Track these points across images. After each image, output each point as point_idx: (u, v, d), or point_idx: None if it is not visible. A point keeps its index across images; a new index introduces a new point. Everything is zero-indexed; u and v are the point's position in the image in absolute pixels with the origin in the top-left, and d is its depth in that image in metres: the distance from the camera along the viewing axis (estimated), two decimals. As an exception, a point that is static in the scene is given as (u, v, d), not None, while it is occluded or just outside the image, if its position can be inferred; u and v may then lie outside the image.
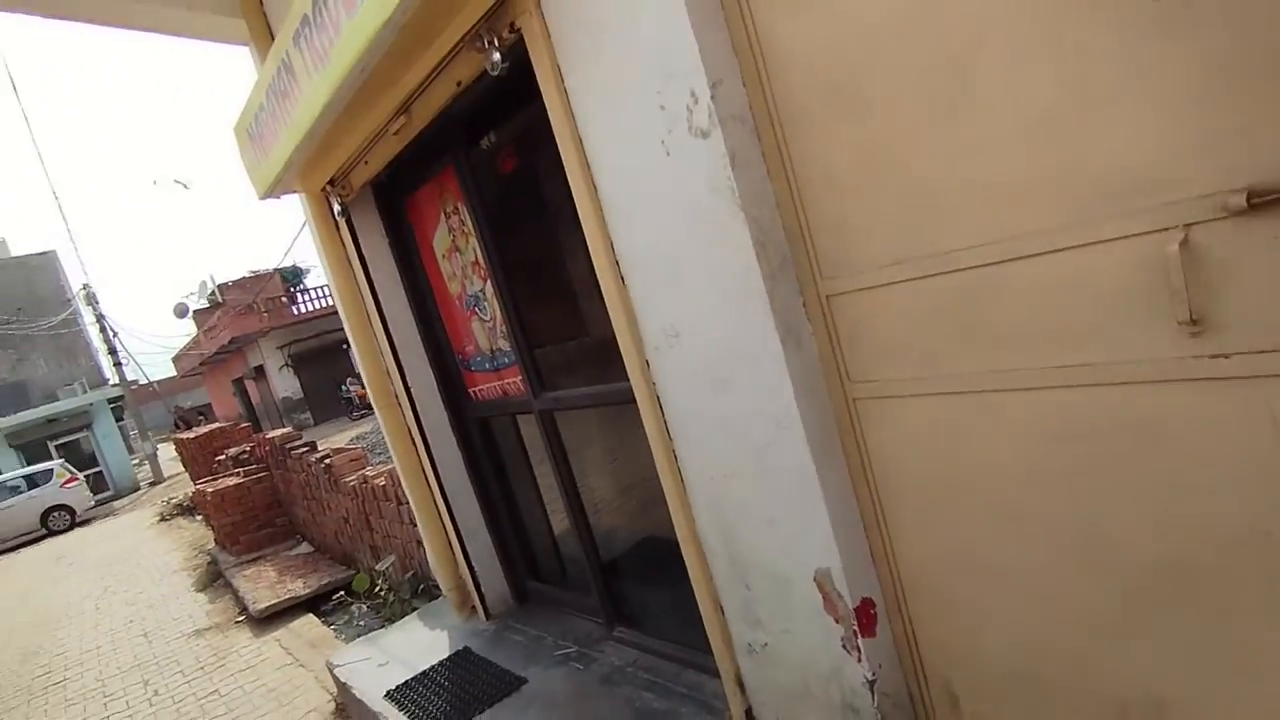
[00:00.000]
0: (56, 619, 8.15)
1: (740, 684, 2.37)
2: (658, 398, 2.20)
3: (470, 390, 3.64)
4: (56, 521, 16.63)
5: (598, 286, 2.24)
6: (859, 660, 1.96)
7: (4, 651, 7.34)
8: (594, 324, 2.83)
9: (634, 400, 2.29)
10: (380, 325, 3.54)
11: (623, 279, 2.15)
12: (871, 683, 1.96)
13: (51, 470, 17.32)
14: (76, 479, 17.63)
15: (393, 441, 3.79)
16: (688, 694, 2.68)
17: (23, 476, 16.99)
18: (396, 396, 3.68)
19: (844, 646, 1.98)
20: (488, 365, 3.41)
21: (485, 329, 3.30)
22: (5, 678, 6.39)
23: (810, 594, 2.01)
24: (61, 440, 21.83)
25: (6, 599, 10.61)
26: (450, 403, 3.68)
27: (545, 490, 3.69)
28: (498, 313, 3.11)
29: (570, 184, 2.15)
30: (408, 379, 3.59)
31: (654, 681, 2.84)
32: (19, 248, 37.57)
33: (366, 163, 3.07)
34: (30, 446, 21.26)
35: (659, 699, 2.72)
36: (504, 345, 3.21)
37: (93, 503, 18.26)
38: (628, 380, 2.29)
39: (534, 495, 3.75)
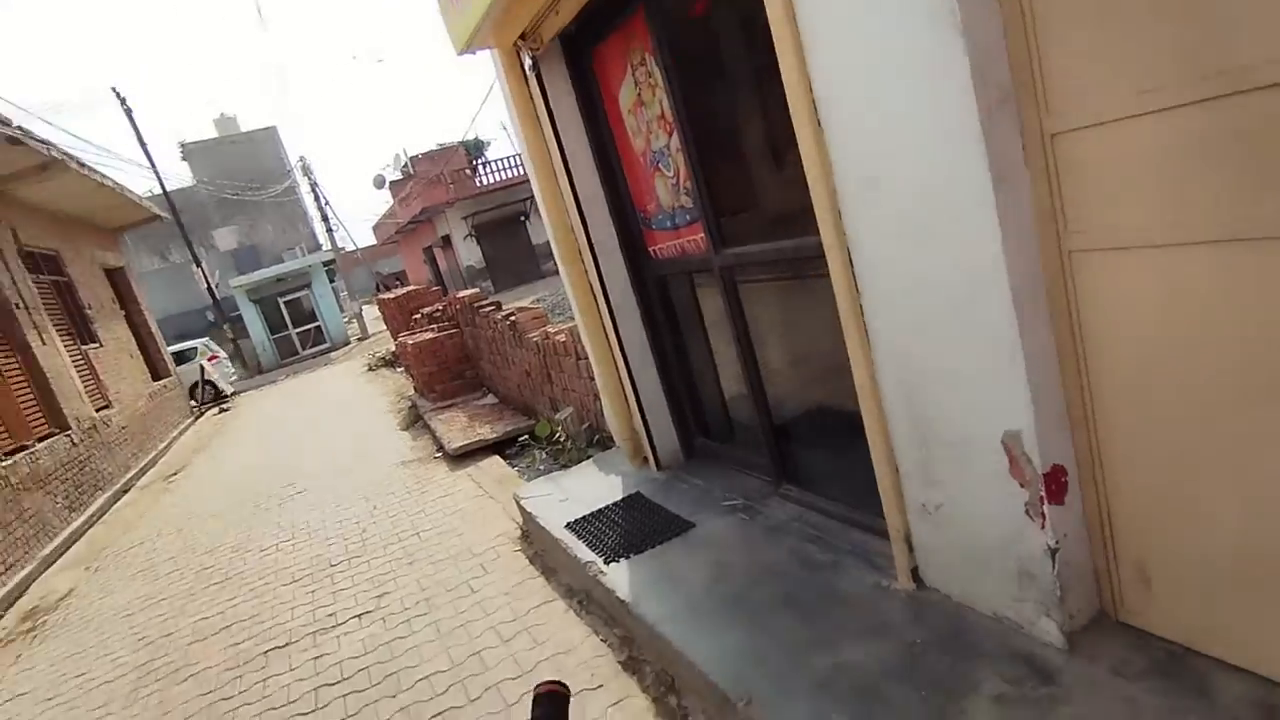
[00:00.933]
0: (295, 443, 9.65)
1: (909, 543, 2.39)
2: (848, 250, 2.14)
3: (650, 249, 3.71)
4: (203, 396, 17.69)
5: (789, 137, 2.16)
6: (1042, 527, 1.91)
7: (266, 469, 8.84)
8: (782, 177, 2.75)
9: (821, 255, 2.23)
10: (566, 181, 3.65)
11: (819, 122, 2.05)
12: (1053, 551, 1.91)
13: (196, 348, 18.52)
14: (218, 357, 19.20)
15: (575, 297, 3.98)
16: (852, 550, 2.75)
17: (172, 353, 17.52)
18: (580, 253, 3.84)
19: (1027, 513, 1.93)
20: (668, 223, 3.45)
21: (668, 185, 3.31)
22: (267, 487, 7.72)
23: (995, 457, 1.95)
24: (287, 297, 24.91)
25: (248, 427, 12.66)
26: (630, 260, 3.79)
27: (718, 352, 3.77)
28: (682, 168, 3.10)
29: (768, 13, 2.04)
30: (591, 235, 3.71)
31: (818, 536, 2.92)
32: (247, 123, 41.88)
33: (557, 12, 3.08)
34: (264, 302, 24.48)
35: (823, 552, 2.81)
36: (686, 202, 3.21)
37: (234, 376, 18.93)
38: (814, 235, 2.23)
39: (706, 356, 3.84)
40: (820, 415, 3.30)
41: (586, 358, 4.62)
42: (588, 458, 4.84)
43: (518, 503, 4.29)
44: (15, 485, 7.53)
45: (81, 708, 3.89)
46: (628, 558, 3.20)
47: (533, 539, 4.16)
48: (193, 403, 16.63)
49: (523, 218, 27.42)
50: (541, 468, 5.52)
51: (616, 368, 4.03)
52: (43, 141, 9.34)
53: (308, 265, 25.31)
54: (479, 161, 27.33)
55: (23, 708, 4.14)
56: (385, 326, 16.86)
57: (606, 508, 3.79)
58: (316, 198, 30.51)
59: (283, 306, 24.76)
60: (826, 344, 2.52)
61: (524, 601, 3.56)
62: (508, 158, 26.88)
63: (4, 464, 7.48)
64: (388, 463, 7.08)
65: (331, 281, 26.72)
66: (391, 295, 13.91)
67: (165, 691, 3.77)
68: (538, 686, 0.69)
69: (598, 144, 3.65)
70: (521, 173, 26.69)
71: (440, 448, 6.82)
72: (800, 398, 3.42)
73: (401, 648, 3.47)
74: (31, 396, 8.89)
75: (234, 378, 20.12)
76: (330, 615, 4.05)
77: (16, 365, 8.80)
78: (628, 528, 3.50)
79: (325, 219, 30.47)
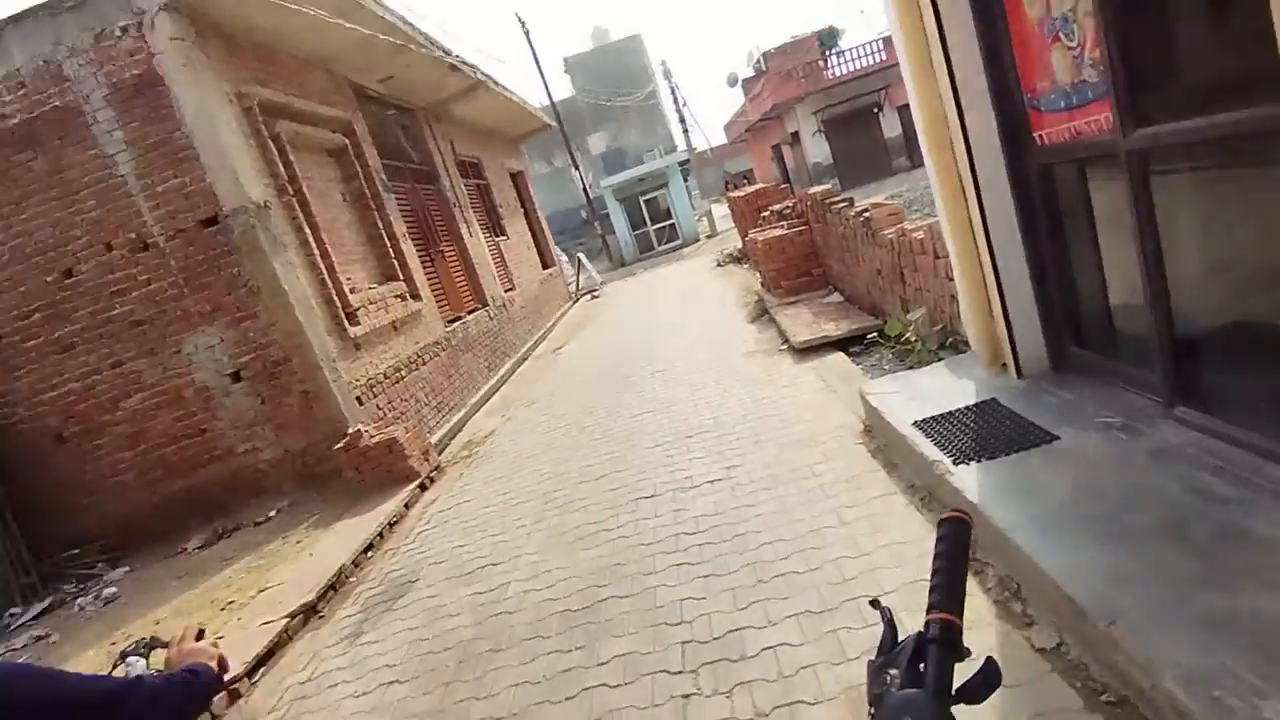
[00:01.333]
0: (654, 328, 10.78)
1: (1362, 486, 1.96)
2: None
3: (1035, 134, 3.33)
4: (578, 285, 19.52)
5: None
6: None
7: (629, 349, 10.07)
8: (1232, 33, 2.26)
9: None
10: (942, 60, 3.40)
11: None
12: None
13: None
14: (574, 265, 20.88)
15: (940, 189, 3.77)
16: (1268, 487, 2.33)
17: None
18: (950, 141, 3.59)
19: None
20: (1062, 103, 3.04)
21: (1067, 58, 2.90)
22: (631, 365, 8.83)
23: None
24: (647, 196, 27.07)
25: (614, 313, 14.33)
26: (1009, 147, 3.44)
27: (1108, 252, 3.31)
28: (1089, 34, 2.69)
29: None
30: (965, 121, 3.44)
31: (1221, 467, 2.52)
32: (616, 33, 45.05)
33: None
34: (627, 201, 26.96)
35: (1226, 485, 2.43)
36: (1090, 76, 2.80)
37: (600, 281, 20.79)
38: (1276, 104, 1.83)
39: (1092, 256, 3.39)
40: (1242, 332, 2.76)
41: (945, 256, 4.37)
42: (938, 360, 4.67)
43: (863, 397, 4.35)
44: (455, 346, 9.63)
45: (506, 517, 5.04)
46: (978, 461, 3.10)
47: (875, 434, 4.21)
48: (570, 286, 19.29)
49: (876, 109, 25.80)
50: (887, 367, 5.46)
51: (980, 266, 3.77)
52: (471, 66, 11.22)
53: (665, 166, 27.04)
54: (832, 52, 26.11)
55: (467, 509, 5.51)
56: (733, 224, 17.51)
57: (957, 410, 3.67)
58: (675, 100, 32.08)
59: (642, 205, 27.03)
60: (1271, 247, 2.08)
61: (864, 491, 3.67)
62: (863, 44, 25.24)
63: (448, 329, 9.59)
64: (735, 351, 7.57)
65: (685, 181, 28.27)
66: (741, 193, 14.33)
67: (561, 517, 4.70)
68: (943, 515, 0.80)
69: (982, 14, 3.30)
70: (877, 60, 24.92)
71: (785, 341, 7.08)
72: (1216, 310, 2.88)
73: (748, 514, 3.85)
74: (464, 278, 11.14)
75: (601, 270, 22.84)
76: (687, 478, 4.61)
77: (455, 252, 11.05)
78: (980, 432, 3.37)
79: (682, 120, 32.00)
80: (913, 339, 5.24)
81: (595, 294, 18.90)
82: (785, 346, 6.98)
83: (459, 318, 10.29)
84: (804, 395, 5.46)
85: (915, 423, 3.67)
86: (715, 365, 7.26)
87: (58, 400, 6.86)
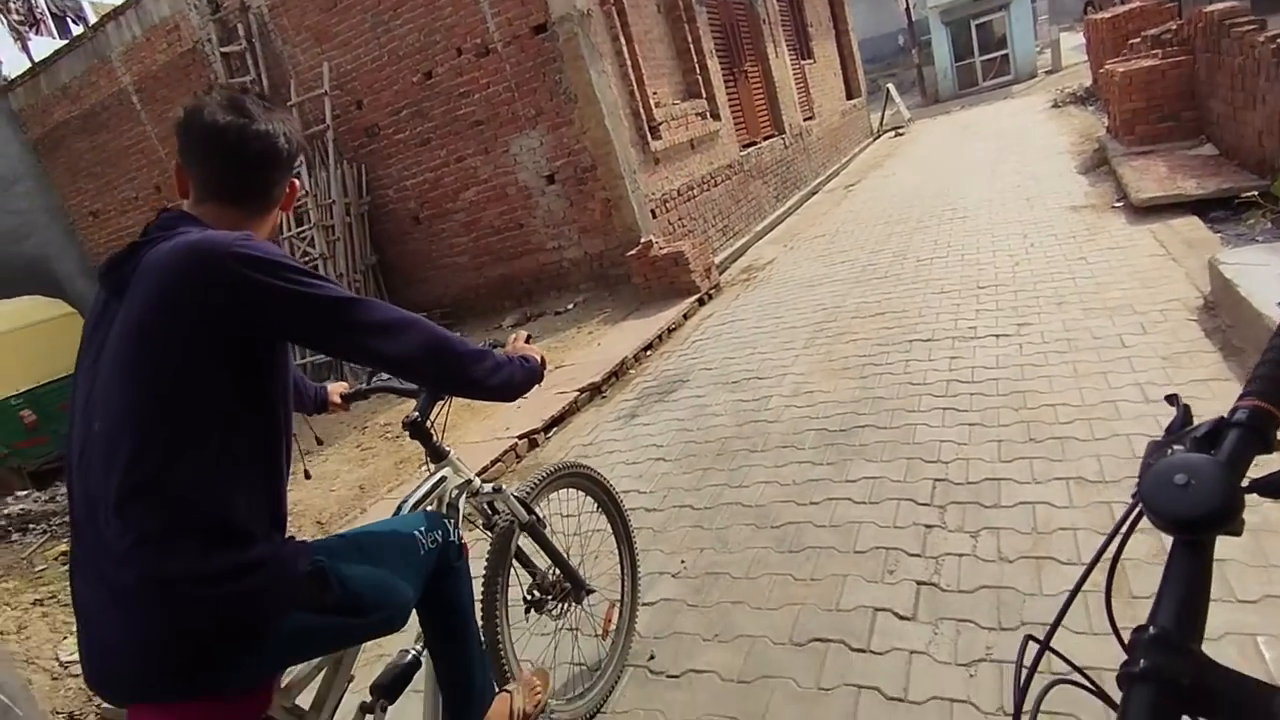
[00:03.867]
0: (961, 172, 9.77)
1: None
2: None
3: None
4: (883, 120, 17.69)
5: None
6: None
7: (929, 192, 9.33)
8: None
9: None
10: None
11: None
12: None
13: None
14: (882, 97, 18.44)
15: None
16: None
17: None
18: None
19: None
20: None
21: None
22: (929, 208, 8.22)
23: None
24: (980, 20, 23.37)
25: (919, 152, 13.10)
26: None
27: None
28: None
29: None
30: None
31: None
32: None
33: None
34: (955, 24, 23.54)
35: None
36: None
37: (908, 118, 18.52)
38: None
39: None
40: None
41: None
42: (1337, 236, 3.72)
43: (1213, 266, 3.67)
44: (746, 171, 9.63)
45: (776, 338, 5.22)
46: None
47: (1220, 311, 3.58)
48: (873, 119, 17.89)
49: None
50: (1260, 238, 4.48)
51: None
52: None
53: (1011, -18, 22.94)
54: None
55: (740, 327, 5.77)
56: (1086, 56, 14.64)
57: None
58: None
59: (973, 30, 23.49)
60: None
61: (1185, 372, 3.21)
62: None
63: (742, 154, 9.57)
64: (1055, 204, 6.66)
65: (1033, 3, 23.83)
66: (1105, 15, 11.80)
67: (831, 346, 4.75)
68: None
69: None
70: None
71: (1123, 197, 6.05)
72: None
73: (1033, 374, 3.58)
74: (764, 102, 10.84)
75: (911, 106, 20.71)
76: (970, 328, 4.35)
77: (758, 73, 10.71)
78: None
79: (1044, -78, 26.36)
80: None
81: (900, 131, 17.36)
82: (1121, 203, 5.97)
83: (754, 143, 10.17)
84: (1133, 260, 4.72)
85: (1282, 302, 3.05)
86: (1027, 217, 6.47)
87: (416, 188, 8.20)
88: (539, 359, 1.58)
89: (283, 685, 1.26)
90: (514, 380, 1.46)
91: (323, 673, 1.42)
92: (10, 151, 10.67)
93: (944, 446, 3.16)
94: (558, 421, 4.87)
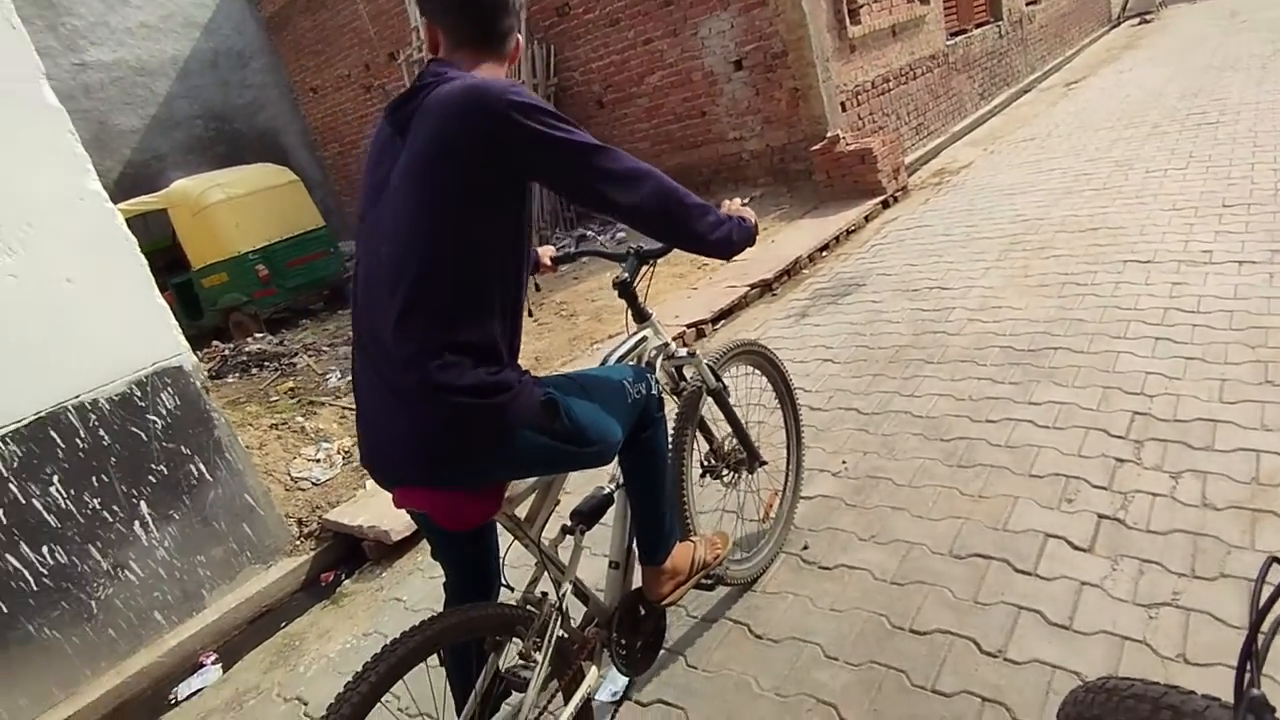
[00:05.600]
0: (1219, 69, 8.29)
1: None
2: None
3: None
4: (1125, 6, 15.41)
5: None
6: None
7: (1174, 92, 8.05)
8: None
9: None
10: None
11: None
12: None
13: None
14: None
15: None
16: None
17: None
18: None
19: None
20: None
21: None
22: (1171, 110, 7.11)
23: None
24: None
25: (1166, 44, 11.18)
26: None
27: None
28: None
29: None
30: None
31: None
32: None
33: None
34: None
35: None
36: None
37: (1158, 1, 15.74)
38: None
39: None
40: None
41: None
42: None
43: None
44: (950, 64, 8.73)
45: (966, 248, 4.86)
46: None
47: None
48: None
49: None
50: None
51: None
52: None
53: None
54: None
55: (925, 234, 5.41)
56: None
57: None
58: None
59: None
60: None
61: None
62: None
63: (949, 43, 8.66)
64: (1343, 112, 5.53)
65: None
66: None
67: (1028, 261, 4.36)
68: None
69: None
70: None
71: None
72: None
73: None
74: (981, -20, 9.64)
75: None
76: (1204, 251, 3.82)
77: (980, -54, 9.48)
78: None
79: None
80: None
81: (1148, 17, 14.88)
82: None
83: (963, 31, 9.15)
84: None
85: None
86: (1301, 126, 5.44)
87: (601, 70, 8.18)
88: (754, 221, 1.62)
89: (506, 495, 1.45)
90: (732, 238, 1.51)
91: (535, 493, 1.62)
92: (248, 29, 11.75)
93: (1150, 379, 2.86)
94: (726, 315, 4.90)
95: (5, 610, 2.55)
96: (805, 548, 2.42)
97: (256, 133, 11.88)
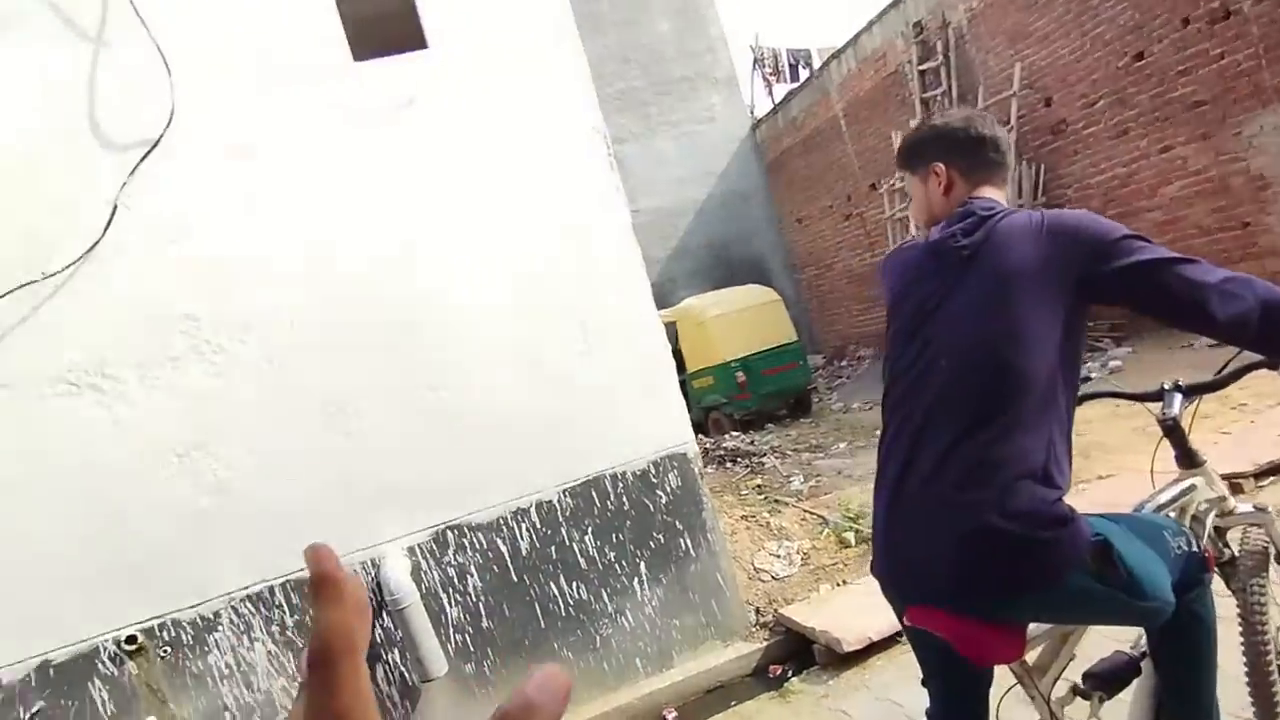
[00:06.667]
0: None
1: None
2: None
3: None
4: None
5: None
6: None
7: None
8: None
9: None
10: None
11: None
12: None
13: None
14: None
15: None
16: None
17: None
18: None
19: None
20: None
21: None
22: None
23: None
24: None
25: None
26: None
27: None
28: None
29: None
30: None
31: None
32: None
33: None
34: None
35: None
36: None
37: None
38: None
39: None
40: None
41: None
42: None
43: None
44: None
45: None
46: None
47: None
48: None
49: None
50: None
51: None
52: None
53: None
54: None
55: None
56: None
57: None
58: None
59: None
60: None
61: None
62: None
63: None
64: None
65: None
66: None
67: None
68: None
69: None
70: None
71: None
72: None
73: None
74: None
75: None
76: None
77: None
78: None
79: None
80: None
81: None
82: None
83: None
84: None
85: None
86: None
87: (1102, 185, 7.46)
88: None
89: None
90: None
91: (1049, 640, 1.45)
92: (752, 172, 13.81)
93: None
94: (1275, 470, 3.87)
95: (543, 625, 3.29)
96: None
97: (747, 258, 13.67)
